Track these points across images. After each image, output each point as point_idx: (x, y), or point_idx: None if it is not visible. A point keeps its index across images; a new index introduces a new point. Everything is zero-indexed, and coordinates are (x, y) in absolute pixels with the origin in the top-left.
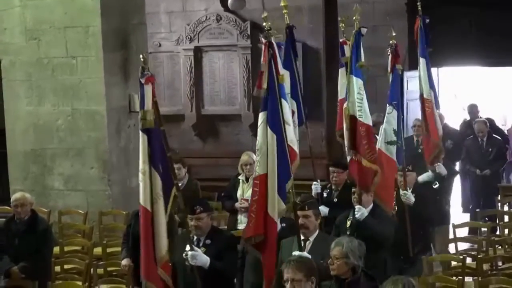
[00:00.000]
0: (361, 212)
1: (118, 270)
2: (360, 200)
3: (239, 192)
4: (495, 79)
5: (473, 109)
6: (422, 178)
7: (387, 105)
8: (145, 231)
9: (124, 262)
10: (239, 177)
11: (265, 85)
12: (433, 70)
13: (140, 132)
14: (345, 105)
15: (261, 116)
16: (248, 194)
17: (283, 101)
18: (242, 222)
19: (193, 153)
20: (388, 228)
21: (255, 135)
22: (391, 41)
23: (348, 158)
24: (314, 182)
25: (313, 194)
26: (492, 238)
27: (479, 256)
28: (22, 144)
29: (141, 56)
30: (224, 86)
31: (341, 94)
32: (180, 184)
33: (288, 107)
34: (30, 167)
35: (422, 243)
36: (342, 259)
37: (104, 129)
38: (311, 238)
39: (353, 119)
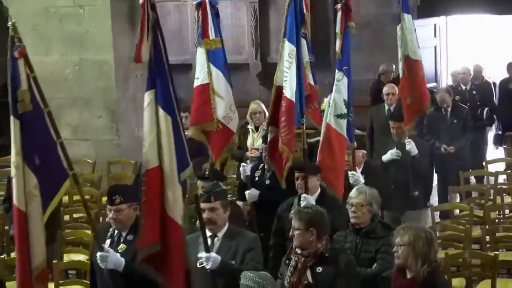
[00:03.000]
0: (306, 201)
1: None
2: (305, 187)
3: (249, 141)
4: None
5: (455, 74)
6: (386, 157)
7: (337, 70)
8: (19, 234)
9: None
10: (248, 126)
11: (145, 58)
12: (441, 19)
13: (12, 118)
14: (276, 75)
15: (148, 96)
16: (258, 143)
17: (216, 70)
18: None
19: None
20: (339, 219)
21: (263, 84)
22: None
23: (269, 136)
24: (243, 164)
25: (242, 177)
26: (500, 186)
27: (486, 204)
28: None
29: (9, 24)
30: (231, 35)
31: None
32: (186, 133)
33: (222, 78)
34: None
35: None
36: (366, 207)
37: (112, 79)
38: (220, 234)
39: (279, 90)
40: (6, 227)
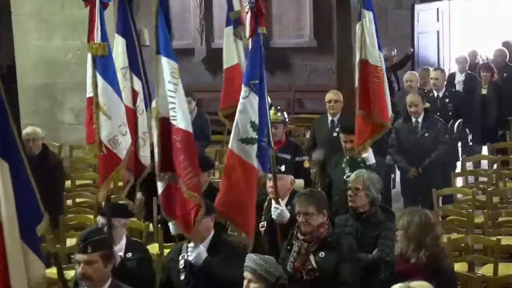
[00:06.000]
0: (196, 253)
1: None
2: (197, 235)
3: None
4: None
5: (424, 75)
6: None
7: (243, 86)
8: None
9: (138, 196)
10: None
11: None
12: (444, 3)
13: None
14: (154, 103)
15: None
16: None
17: (102, 82)
18: None
19: (203, 87)
20: (237, 268)
21: (265, 68)
22: None
23: (161, 184)
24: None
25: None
26: (502, 171)
27: (489, 189)
28: (32, 79)
29: None
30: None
31: (227, 61)
32: None
33: (110, 91)
34: (41, 101)
35: None
36: (363, 191)
37: None
38: None
39: (164, 122)
40: None
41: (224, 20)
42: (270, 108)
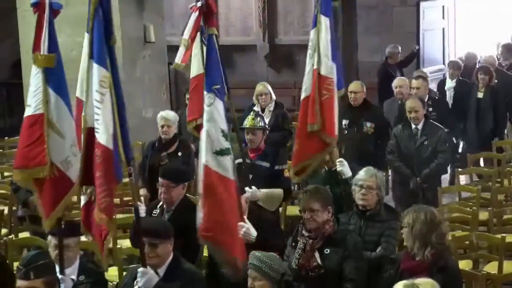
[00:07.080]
0: (146, 278)
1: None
2: (144, 260)
3: None
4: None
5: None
6: None
7: (205, 92)
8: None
9: (141, 192)
10: (254, 108)
11: None
12: (450, 1)
13: None
14: (84, 113)
15: None
16: None
17: (55, 96)
18: None
19: None
20: None
21: (270, 65)
22: None
23: (83, 198)
24: (139, 203)
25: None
26: (507, 168)
27: (493, 187)
28: None
29: None
30: (239, 16)
31: (194, 70)
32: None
33: (63, 107)
34: None
35: None
36: (376, 190)
37: (119, 60)
38: None
39: (90, 134)
40: (14, 208)
41: (228, 17)
42: (278, 107)
